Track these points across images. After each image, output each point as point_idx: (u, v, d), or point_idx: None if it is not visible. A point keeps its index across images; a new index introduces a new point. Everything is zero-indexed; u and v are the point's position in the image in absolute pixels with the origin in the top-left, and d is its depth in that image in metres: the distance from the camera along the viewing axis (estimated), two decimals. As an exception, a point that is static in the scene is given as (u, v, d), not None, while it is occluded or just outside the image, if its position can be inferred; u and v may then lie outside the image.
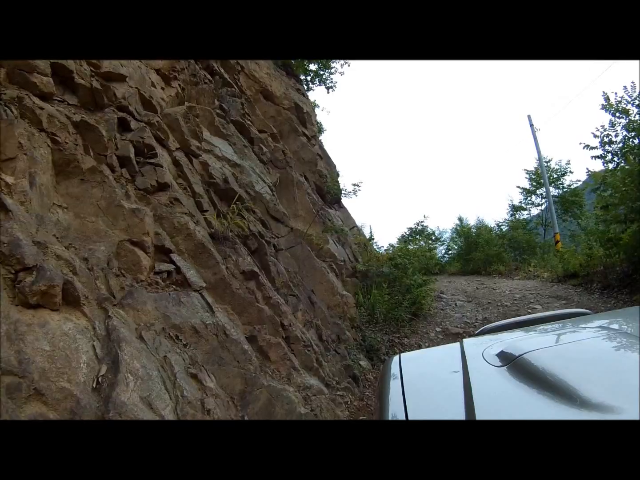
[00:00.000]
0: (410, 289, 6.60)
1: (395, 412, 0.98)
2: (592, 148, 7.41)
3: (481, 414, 0.81)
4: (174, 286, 3.05)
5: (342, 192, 7.33)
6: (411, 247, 11.20)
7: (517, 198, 18.76)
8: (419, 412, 0.94)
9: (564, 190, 17.05)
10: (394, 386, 1.11)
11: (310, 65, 12.95)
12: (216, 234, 3.57)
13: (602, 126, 7.53)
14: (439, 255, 17.79)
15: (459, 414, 0.86)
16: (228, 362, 2.81)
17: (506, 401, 0.89)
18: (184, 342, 2.73)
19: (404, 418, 0.92)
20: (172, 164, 4.23)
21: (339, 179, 8.74)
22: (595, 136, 7.61)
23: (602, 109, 7.42)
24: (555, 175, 17.10)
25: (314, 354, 3.55)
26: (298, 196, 6.26)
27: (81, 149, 3.20)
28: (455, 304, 7.99)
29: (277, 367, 3.21)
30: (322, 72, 13.37)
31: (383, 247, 11.69)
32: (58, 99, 3.25)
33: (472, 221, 18.70)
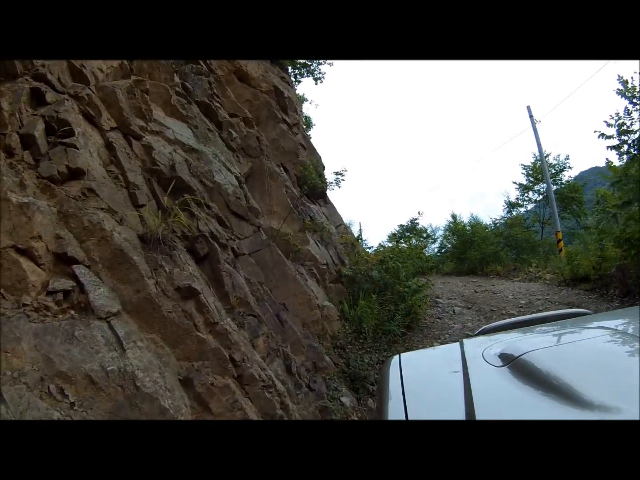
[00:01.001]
0: (403, 297, 5.72)
1: (395, 412, 0.95)
2: (608, 137, 6.55)
3: (481, 414, 0.79)
4: (71, 312, 2.16)
5: (325, 184, 6.39)
6: (403, 246, 10.38)
7: (514, 195, 17.95)
8: (418, 412, 0.91)
9: (562, 186, 16.29)
10: (394, 386, 1.08)
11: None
12: (147, 236, 2.67)
13: (617, 113, 6.71)
14: (432, 253, 17.05)
15: (459, 414, 0.83)
16: (141, 425, 1.93)
17: (506, 401, 0.86)
18: (71, 400, 1.85)
19: (404, 418, 0.90)
20: (105, 147, 3.34)
21: (325, 172, 7.82)
22: (608, 125, 6.78)
23: (618, 94, 6.60)
24: (553, 171, 16.32)
25: (278, 396, 2.67)
26: (273, 189, 5.36)
27: (-27, 127, 2.37)
28: (454, 311, 7.16)
29: (222, 420, 2.33)
30: (309, 63, 12.47)
31: (373, 247, 10.82)
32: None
33: (465, 219, 17.89)
